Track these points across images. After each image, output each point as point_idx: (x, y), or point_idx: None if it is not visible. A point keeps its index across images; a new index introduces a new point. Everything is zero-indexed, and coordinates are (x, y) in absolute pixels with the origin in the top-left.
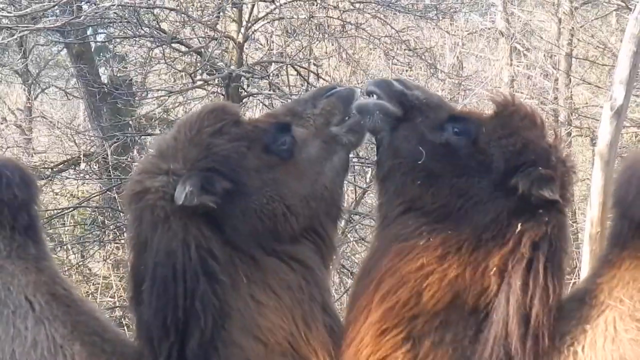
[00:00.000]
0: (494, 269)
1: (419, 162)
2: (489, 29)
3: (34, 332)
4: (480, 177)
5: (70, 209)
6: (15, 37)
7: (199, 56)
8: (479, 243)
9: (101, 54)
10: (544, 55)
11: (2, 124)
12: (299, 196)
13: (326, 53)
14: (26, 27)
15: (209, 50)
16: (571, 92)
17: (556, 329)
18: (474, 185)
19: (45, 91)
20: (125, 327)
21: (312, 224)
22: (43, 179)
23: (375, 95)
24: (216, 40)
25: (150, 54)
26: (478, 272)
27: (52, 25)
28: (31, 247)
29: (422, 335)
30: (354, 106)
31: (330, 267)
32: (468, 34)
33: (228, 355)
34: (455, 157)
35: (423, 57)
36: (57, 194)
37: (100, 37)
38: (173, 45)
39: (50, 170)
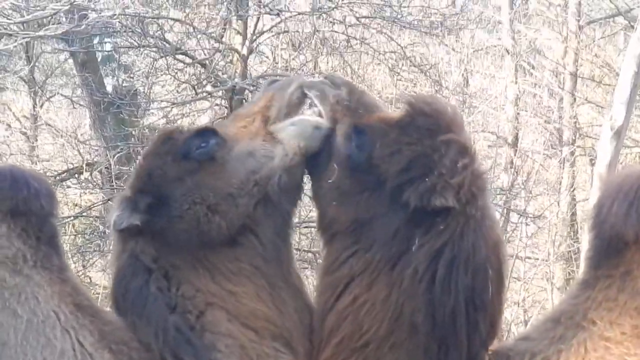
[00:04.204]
0: (408, 289)
1: (330, 181)
2: (495, 46)
3: (62, 340)
4: (380, 191)
5: (71, 218)
6: (17, 43)
7: (203, 68)
8: (393, 260)
9: (107, 64)
10: (550, 74)
11: (7, 130)
12: (223, 194)
13: (331, 68)
14: (27, 33)
15: (214, 62)
16: (575, 111)
17: (527, 348)
18: (373, 200)
19: (51, 99)
20: None
21: (245, 222)
22: None
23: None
24: (221, 52)
25: (154, 65)
26: (402, 292)
27: (53, 33)
28: (55, 258)
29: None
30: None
31: (280, 264)
32: (474, 51)
33: (224, 346)
34: (356, 173)
35: (428, 73)
36: (59, 202)
37: (106, 47)
38: (178, 56)
39: (53, 178)
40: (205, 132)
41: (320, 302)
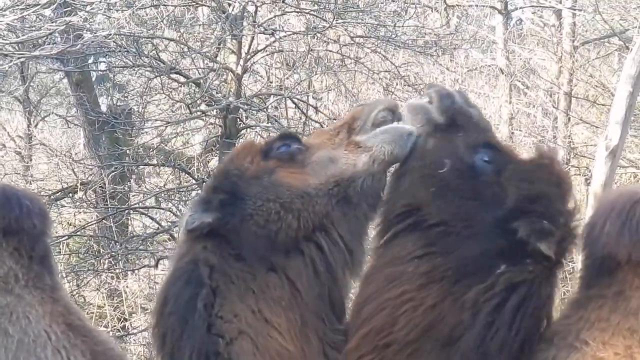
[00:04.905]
0: (469, 302)
1: (440, 171)
2: (489, 66)
3: None
4: (489, 208)
5: (65, 237)
6: (12, 63)
7: (197, 87)
8: (462, 275)
9: (102, 83)
10: (544, 94)
11: (1, 150)
12: (299, 193)
13: (325, 87)
14: (22, 54)
15: (208, 81)
16: (570, 131)
17: None
18: (479, 214)
19: (46, 119)
20: None
21: (322, 223)
22: None
23: (428, 99)
24: (215, 71)
25: (148, 84)
26: (457, 304)
27: (48, 53)
28: (47, 277)
29: None
30: (405, 104)
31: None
32: (468, 70)
33: None
34: (474, 180)
35: (422, 92)
36: (53, 221)
37: (101, 66)
38: (172, 75)
39: (47, 198)
40: (289, 137)
41: (367, 290)
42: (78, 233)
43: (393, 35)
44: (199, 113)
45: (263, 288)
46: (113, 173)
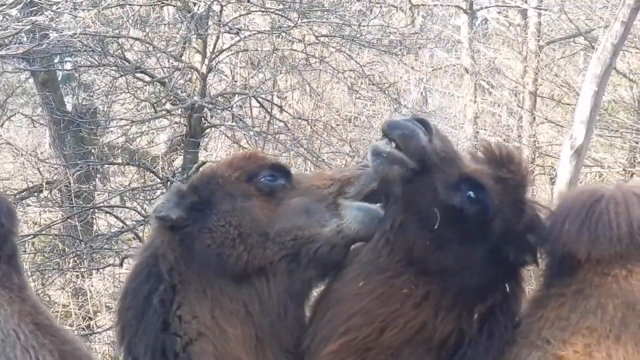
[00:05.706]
0: (477, 315)
1: (434, 227)
2: (454, 65)
3: None
4: (479, 244)
5: (31, 236)
6: None
7: (162, 86)
8: (459, 296)
9: (67, 83)
10: (509, 93)
11: None
12: (259, 230)
13: (290, 86)
14: None
15: (173, 80)
16: (535, 130)
17: None
18: (472, 254)
19: (12, 118)
20: None
21: (265, 266)
22: None
23: (394, 143)
24: (180, 70)
25: (114, 83)
26: (451, 316)
27: (14, 52)
28: (14, 277)
29: None
30: (371, 149)
31: (280, 322)
32: (433, 70)
33: None
34: (463, 223)
35: (387, 91)
36: (19, 220)
37: (66, 66)
38: (137, 75)
39: (13, 197)
40: (280, 169)
41: (355, 307)
42: (43, 232)
43: (358, 35)
44: (164, 112)
45: (217, 296)
46: (78, 172)
